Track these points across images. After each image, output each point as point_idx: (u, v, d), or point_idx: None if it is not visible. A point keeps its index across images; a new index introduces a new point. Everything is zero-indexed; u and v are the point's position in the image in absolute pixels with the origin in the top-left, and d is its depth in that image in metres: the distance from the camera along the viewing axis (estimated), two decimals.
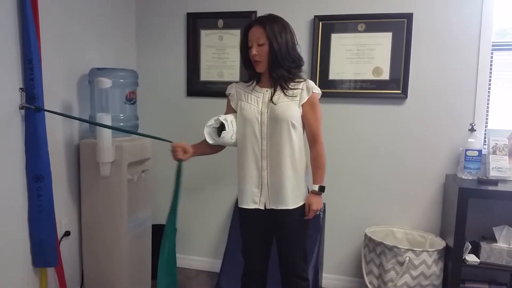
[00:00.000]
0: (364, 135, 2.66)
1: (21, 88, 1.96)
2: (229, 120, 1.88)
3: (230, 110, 1.97)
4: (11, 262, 1.98)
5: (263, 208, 1.86)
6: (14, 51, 1.93)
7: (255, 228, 1.90)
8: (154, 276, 2.75)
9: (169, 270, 1.92)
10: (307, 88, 1.82)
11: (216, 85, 2.85)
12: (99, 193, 2.32)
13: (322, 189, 1.87)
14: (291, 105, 1.80)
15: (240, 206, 1.91)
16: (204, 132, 1.90)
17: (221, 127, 1.90)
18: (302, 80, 1.85)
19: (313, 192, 1.86)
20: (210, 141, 1.91)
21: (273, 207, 1.85)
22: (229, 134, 1.87)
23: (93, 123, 2.28)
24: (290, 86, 1.81)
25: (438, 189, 2.58)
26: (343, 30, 2.60)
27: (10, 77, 1.92)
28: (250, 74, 1.90)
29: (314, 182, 1.87)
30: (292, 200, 1.83)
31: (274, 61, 1.77)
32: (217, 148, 2.00)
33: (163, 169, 3.03)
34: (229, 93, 1.97)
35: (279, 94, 1.82)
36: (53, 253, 2.11)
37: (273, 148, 1.81)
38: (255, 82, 1.90)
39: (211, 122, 1.90)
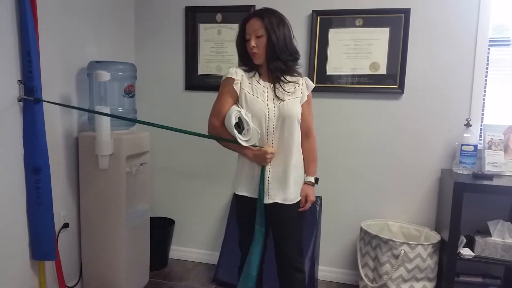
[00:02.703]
0: (361, 130, 2.67)
1: (19, 81, 1.96)
2: (250, 116, 1.78)
3: (231, 96, 1.82)
4: (10, 256, 1.99)
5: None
6: (12, 43, 1.93)
7: (251, 220, 1.92)
8: (152, 268, 2.78)
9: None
10: (307, 86, 1.87)
11: (215, 79, 2.86)
12: (97, 185, 2.33)
13: (317, 180, 1.93)
14: (295, 102, 1.83)
15: (234, 191, 1.90)
16: (237, 138, 1.77)
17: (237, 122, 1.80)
18: (299, 75, 1.87)
19: (309, 183, 1.89)
20: (244, 143, 1.79)
21: (277, 201, 1.82)
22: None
23: (100, 113, 2.16)
24: (287, 79, 1.83)
25: (433, 183, 2.60)
26: (341, 25, 2.61)
27: (8, 69, 1.92)
28: (249, 67, 1.88)
29: (310, 174, 1.91)
30: (295, 195, 1.86)
31: (272, 53, 1.78)
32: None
33: (161, 162, 3.05)
34: (234, 79, 1.81)
35: (280, 90, 1.82)
36: (51, 246, 2.11)
37: (279, 144, 1.82)
38: (257, 73, 1.86)
39: (233, 119, 1.75)
